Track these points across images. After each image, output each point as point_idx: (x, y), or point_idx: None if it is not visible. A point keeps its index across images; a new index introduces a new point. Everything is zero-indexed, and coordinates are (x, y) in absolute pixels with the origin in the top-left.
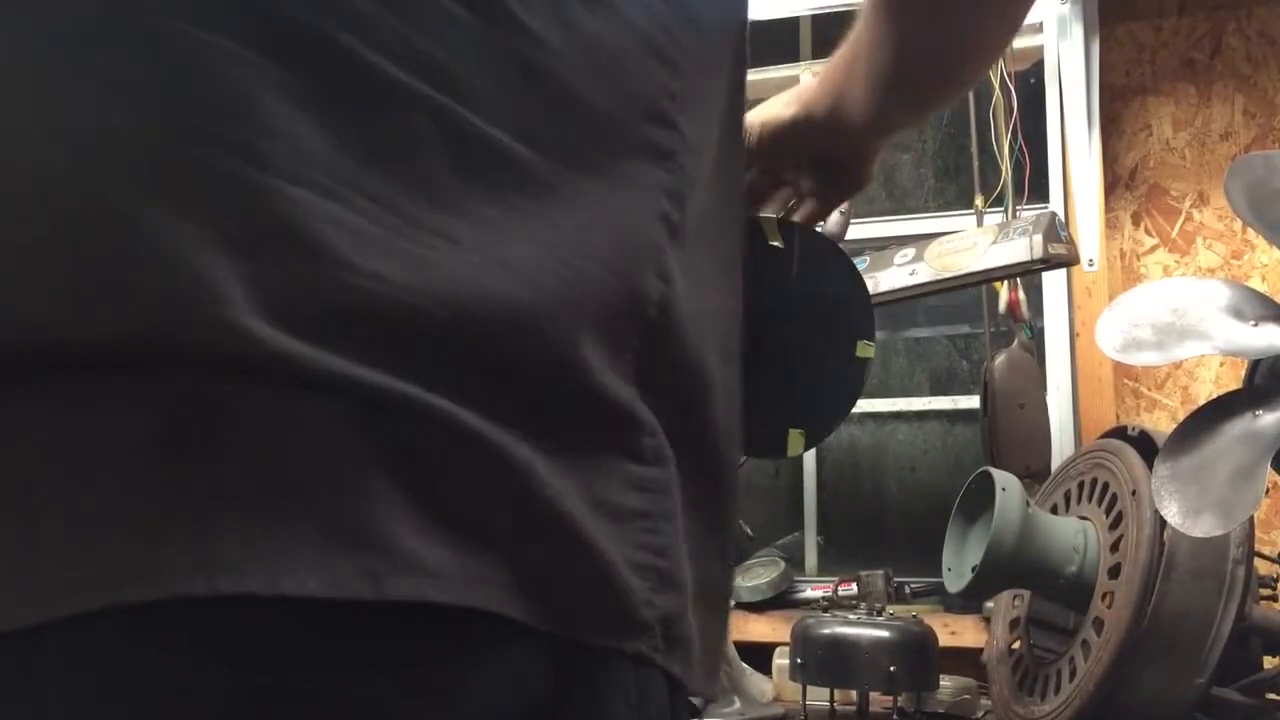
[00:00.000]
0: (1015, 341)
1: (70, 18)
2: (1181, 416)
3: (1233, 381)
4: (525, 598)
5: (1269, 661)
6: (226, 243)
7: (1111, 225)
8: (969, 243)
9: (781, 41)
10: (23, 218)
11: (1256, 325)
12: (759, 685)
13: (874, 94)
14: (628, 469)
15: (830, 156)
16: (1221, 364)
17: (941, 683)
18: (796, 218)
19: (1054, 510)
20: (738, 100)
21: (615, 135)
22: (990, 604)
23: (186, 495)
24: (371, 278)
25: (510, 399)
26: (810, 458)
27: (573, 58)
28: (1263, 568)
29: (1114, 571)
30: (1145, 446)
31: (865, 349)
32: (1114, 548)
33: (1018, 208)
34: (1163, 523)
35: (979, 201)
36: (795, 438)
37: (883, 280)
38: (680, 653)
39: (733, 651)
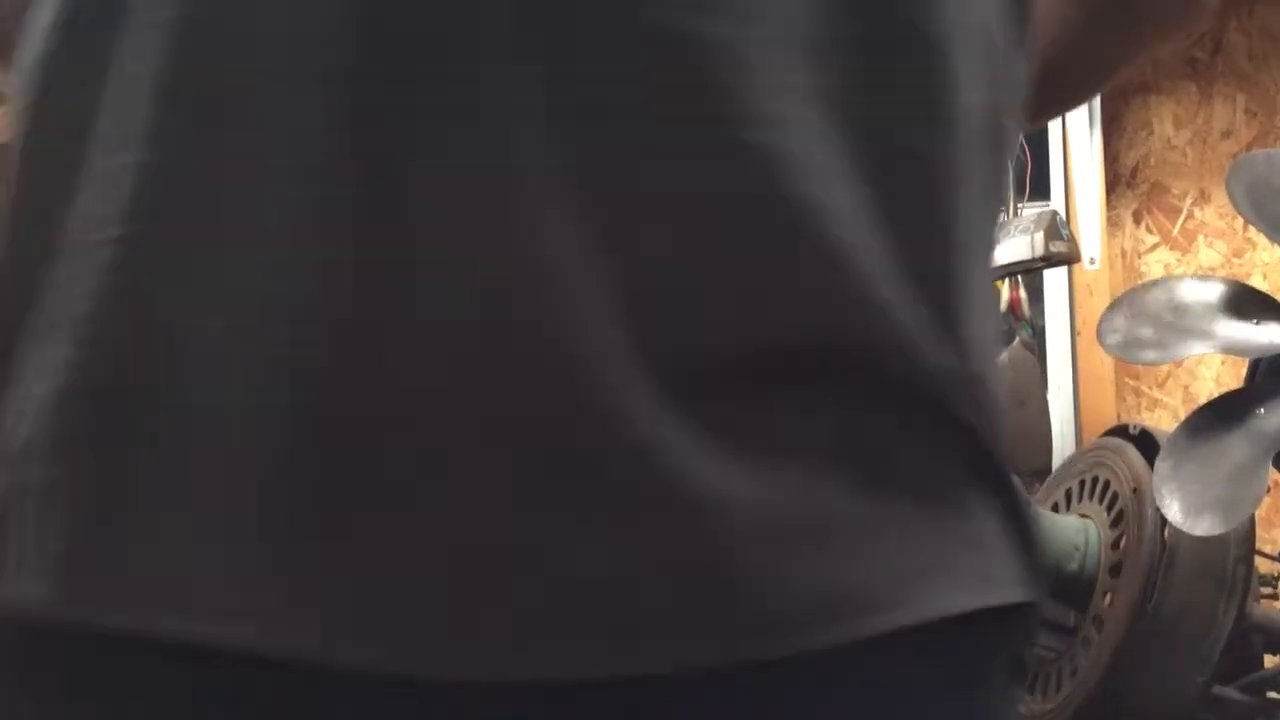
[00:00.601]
0: (1016, 340)
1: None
2: (1182, 415)
3: (1234, 380)
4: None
5: (1269, 660)
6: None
7: (1113, 223)
8: None
9: None
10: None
11: (1258, 324)
12: None
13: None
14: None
15: None
16: (1223, 362)
17: None
18: None
19: (1055, 508)
20: None
21: None
22: None
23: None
24: (947, 355)
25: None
26: None
27: None
28: (1263, 566)
29: (1115, 570)
30: (1146, 445)
31: None
32: (1115, 546)
33: (1019, 206)
34: (1164, 521)
35: None
36: None
37: None
38: None
39: None
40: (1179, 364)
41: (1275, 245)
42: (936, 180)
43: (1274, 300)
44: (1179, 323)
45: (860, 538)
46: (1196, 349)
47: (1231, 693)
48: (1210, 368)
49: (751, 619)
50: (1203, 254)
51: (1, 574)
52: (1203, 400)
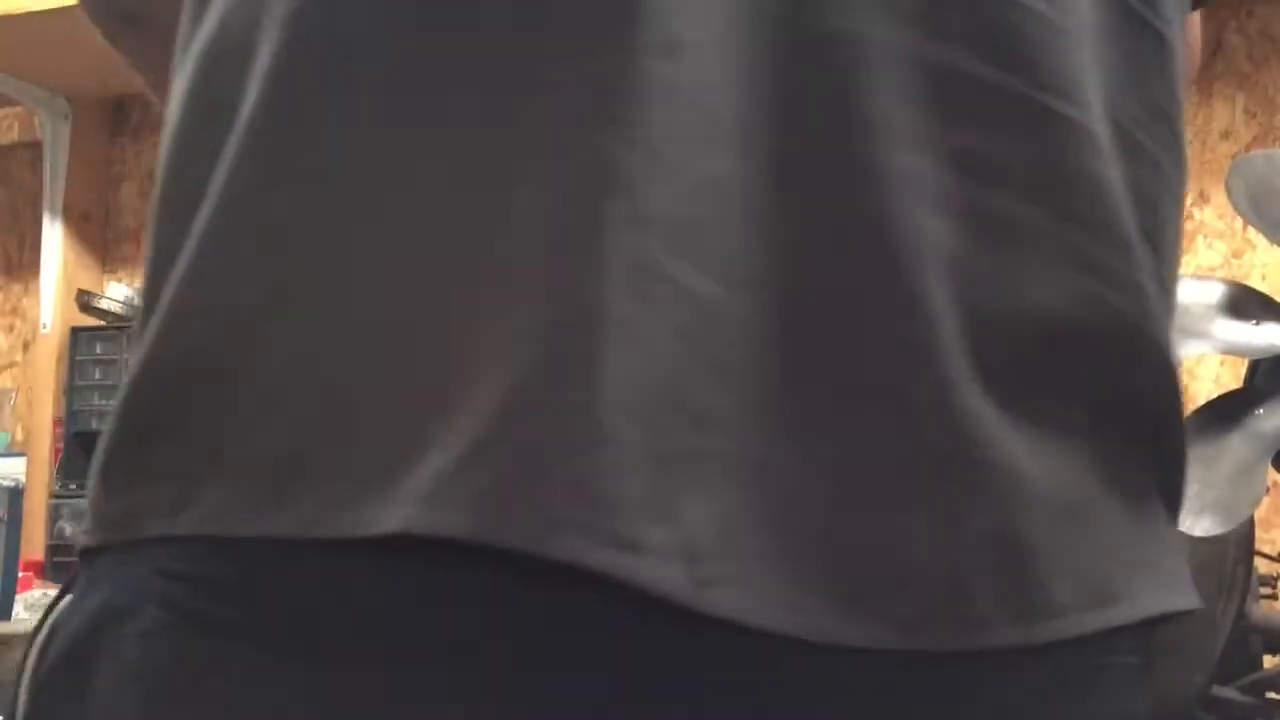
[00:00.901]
0: None
1: None
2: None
3: (1233, 381)
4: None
5: (1269, 660)
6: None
7: None
8: None
9: None
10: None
11: (1257, 324)
12: None
13: None
14: None
15: None
16: (1222, 363)
17: None
18: None
19: None
20: None
21: None
22: None
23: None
24: (1172, 350)
25: None
26: None
27: None
28: (1263, 566)
29: None
30: None
31: None
32: None
33: None
34: None
35: None
36: None
37: None
38: None
39: None
40: (1178, 364)
41: (1275, 246)
42: (1161, 181)
43: (1274, 301)
44: (1178, 323)
45: (1106, 529)
46: (1196, 349)
47: (1231, 693)
48: (1209, 368)
49: (1045, 602)
50: (1202, 254)
51: (399, 503)
52: (1202, 400)
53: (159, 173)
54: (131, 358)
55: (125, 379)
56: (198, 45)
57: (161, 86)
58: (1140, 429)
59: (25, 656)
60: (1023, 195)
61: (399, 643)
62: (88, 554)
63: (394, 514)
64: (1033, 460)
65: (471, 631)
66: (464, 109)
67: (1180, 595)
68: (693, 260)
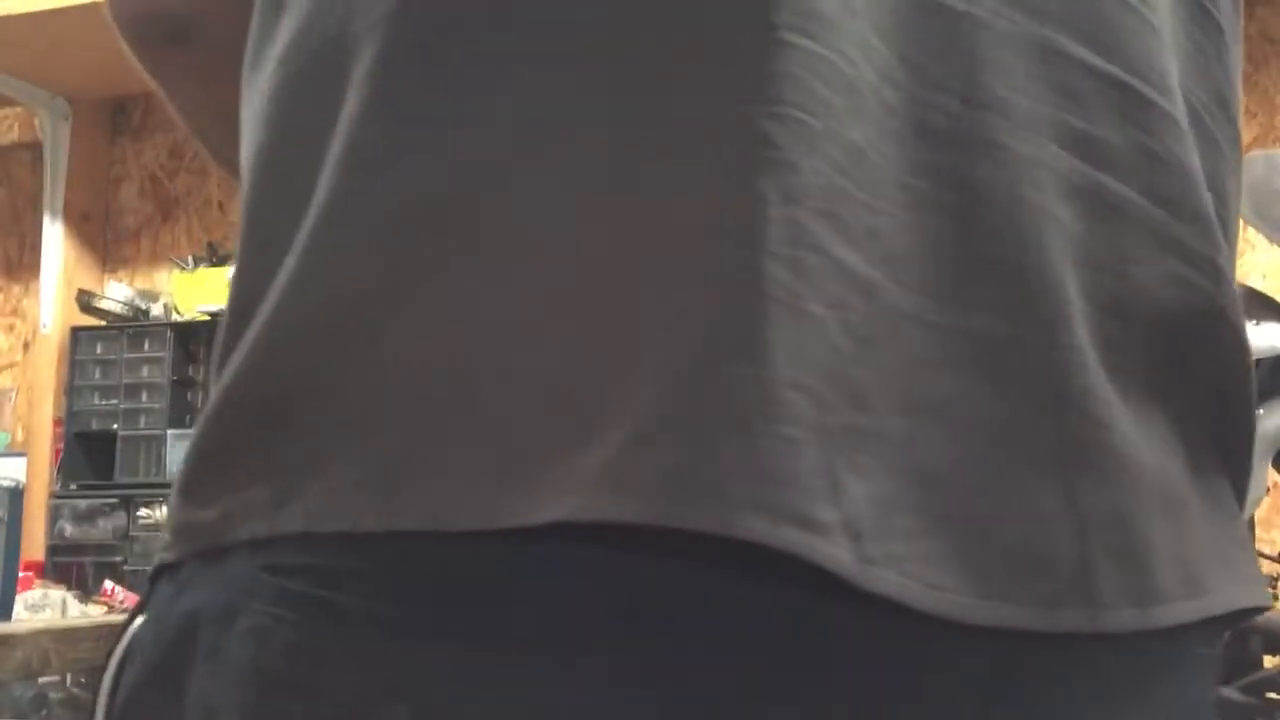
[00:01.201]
0: None
1: None
2: None
3: None
4: None
5: (1269, 661)
6: None
7: None
8: None
9: None
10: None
11: (1258, 324)
12: None
13: None
14: None
15: None
16: None
17: None
18: None
19: None
20: None
21: None
22: None
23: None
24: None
25: None
26: None
27: None
28: (1263, 567)
29: None
30: None
31: None
32: None
33: None
34: None
35: None
36: None
37: None
38: None
39: None
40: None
41: (1275, 246)
42: (1225, 165)
43: (1274, 301)
44: None
45: (1195, 520)
46: None
47: (1231, 693)
48: None
49: (1154, 588)
50: None
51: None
52: None
53: (246, 186)
54: (214, 374)
55: (215, 393)
56: (274, 57)
57: (212, 116)
58: (1218, 417)
59: (100, 676)
60: (1128, 179)
61: (564, 629)
62: (165, 570)
63: (557, 502)
64: (1140, 446)
65: (631, 614)
66: (597, 97)
67: (1257, 592)
68: (841, 233)
